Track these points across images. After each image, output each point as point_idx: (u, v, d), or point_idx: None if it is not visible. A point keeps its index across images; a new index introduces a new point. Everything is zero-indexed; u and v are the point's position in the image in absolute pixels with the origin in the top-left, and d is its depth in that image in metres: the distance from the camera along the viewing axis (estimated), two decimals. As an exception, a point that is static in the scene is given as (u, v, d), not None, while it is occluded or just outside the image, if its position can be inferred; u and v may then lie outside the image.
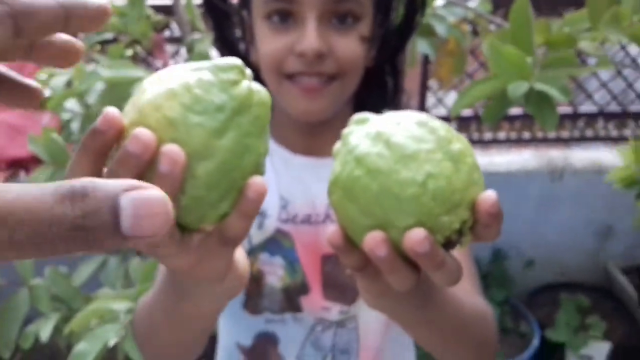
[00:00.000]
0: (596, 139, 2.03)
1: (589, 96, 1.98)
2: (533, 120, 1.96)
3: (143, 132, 0.31)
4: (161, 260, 0.37)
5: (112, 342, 0.97)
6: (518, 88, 0.75)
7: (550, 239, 2.07)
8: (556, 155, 2.08)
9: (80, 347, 0.96)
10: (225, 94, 0.33)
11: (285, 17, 0.60)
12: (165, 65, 1.69)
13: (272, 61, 0.61)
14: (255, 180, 0.34)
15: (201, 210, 0.34)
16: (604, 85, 1.98)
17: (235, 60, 0.34)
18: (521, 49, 0.80)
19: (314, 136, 0.71)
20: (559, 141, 2.06)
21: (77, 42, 0.33)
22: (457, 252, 0.38)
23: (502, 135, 2.04)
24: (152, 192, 0.21)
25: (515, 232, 2.05)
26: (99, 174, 0.33)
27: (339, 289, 0.72)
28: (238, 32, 0.72)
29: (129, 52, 1.45)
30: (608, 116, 1.99)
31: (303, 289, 0.72)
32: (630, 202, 0.83)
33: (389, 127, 0.37)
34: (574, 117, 1.99)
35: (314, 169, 0.70)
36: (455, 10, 0.97)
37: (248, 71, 0.35)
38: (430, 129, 0.36)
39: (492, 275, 2.00)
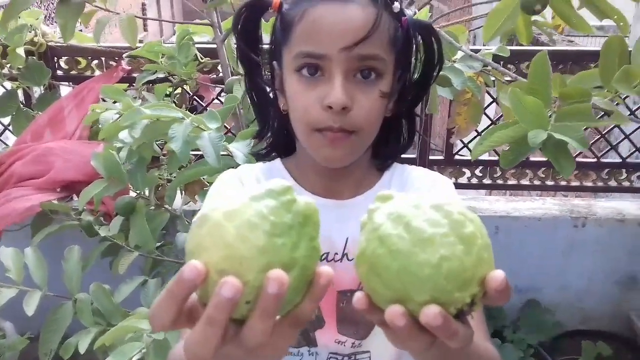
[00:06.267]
0: (619, 189, 2.06)
1: (613, 147, 2.02)
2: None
3: (231, 281, 0.36)
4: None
5: (135, 358, 1.07)
6: (537, 136, 0.80)
7: (573, 285, 2.08)
8: (579, 203, 2.12)
9: (108, 360, 1.05)
10: (290, 214, 0.40)
11: (314, 71, 0.65)
12: (208, 101, 1.80)
13: (304, 115, 0.67)
14: (324, 269, 0.41)
15: (286, 308, 0.41)
16: (627, 137, 2.03)
17: (284, 182, 0.41)
18: (539, 100, 0.86)
19: (335, 180, 0.74)
20: (582, 190, 2.09)
21: None
22: None
23: (525, 181, 2.08)
24: None
25: (539, 278, 2.08)
26: (181, 314, 0.39)
27: (352, 324, 0.74)
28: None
29: (177, 90, 1.56)
30: (631, 167, 2.02)
31: (318, 322, 0.74)
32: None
33: (408, 210, 0.41)
34: (598, 167, 2.02)
35: (333, 209, 0.73)
36: (473, 64, 1.03)
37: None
38: (445, 212, 0.41)
39: (523, 320, 2.04)
